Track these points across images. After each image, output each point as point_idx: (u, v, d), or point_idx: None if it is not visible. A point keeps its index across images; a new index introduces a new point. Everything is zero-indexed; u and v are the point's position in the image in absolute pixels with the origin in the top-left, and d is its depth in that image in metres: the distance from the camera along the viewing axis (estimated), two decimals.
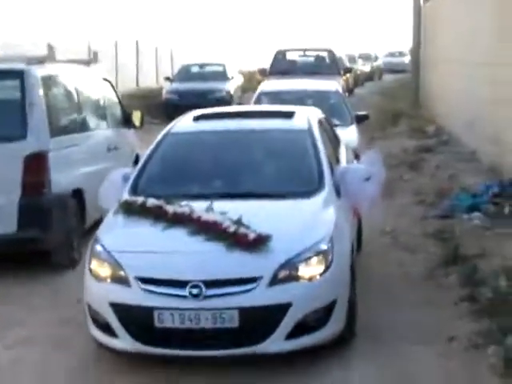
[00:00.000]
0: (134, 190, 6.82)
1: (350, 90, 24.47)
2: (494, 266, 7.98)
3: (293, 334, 5.67)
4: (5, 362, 6.33)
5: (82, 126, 10.30)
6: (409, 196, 12.19)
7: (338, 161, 8.08)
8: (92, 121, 10.82)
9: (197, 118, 8.27)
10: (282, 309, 5.65)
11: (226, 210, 6.20)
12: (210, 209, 6.20)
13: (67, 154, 9.16)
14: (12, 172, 8.35)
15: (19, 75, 9.07)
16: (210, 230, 6.02)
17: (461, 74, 17.40)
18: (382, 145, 16.07)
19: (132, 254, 5.94)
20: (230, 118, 8.53)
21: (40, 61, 10.29)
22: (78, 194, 9.37)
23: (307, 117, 8.11)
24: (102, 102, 11.52)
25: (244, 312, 5.55)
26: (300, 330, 5.74)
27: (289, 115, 8.21)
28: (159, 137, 7.73)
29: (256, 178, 7.24)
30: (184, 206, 6.33)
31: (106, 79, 12.41)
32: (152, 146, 7.58)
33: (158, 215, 6.36)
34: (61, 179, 8.51)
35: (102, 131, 10.99)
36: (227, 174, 7.33)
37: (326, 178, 6.92)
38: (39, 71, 9.36)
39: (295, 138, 7.72)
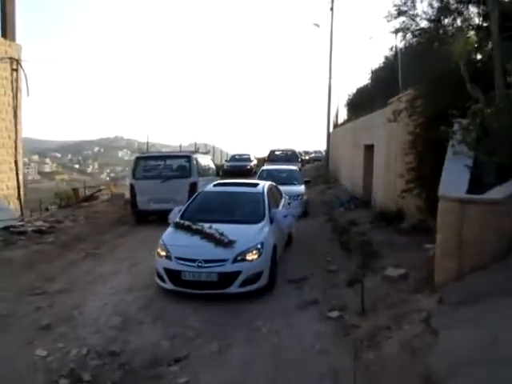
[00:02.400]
0: (182, 216, 6.90)
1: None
2: (343, 220, 9.54)
3: (242, 285, 5.85)
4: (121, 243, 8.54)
5: (205, 174, 11.59)
6: (319, 202, 13.16)
7: (277, 206, 8.00)
8: (208, 172, 12.12)
9: (216, 185, 8.34)
10: (237, 273, 5.83)
11: (218, 228, 6.27)
12: (210, 227, 6.29)
13: (202, 183, 10.18)
14: (185, 188, 10.05)
15: (188, 157, 10.85)
16: (209, 237, 6.18)
17: (343, 161, 17.87)
18: (314, 187, 16.27)
19: (174, 246, 6.11)
20: (230, 186, 8.34)
21: (193, 152, 12.07)
22: None
23: (263, 186, 7.98)
24: (210, 166, 12.78)
25: (220, 274, 5.77)
26: (246, 283, 5.87)
27: (255, 185, 8.18)
28: (197, 192, 7.90)
29: (235, 213, 7.16)
30: (199, 226, 6.40)
31: (211, 159, 13.61)
32: (193, 197, 7.72)
33: (188, 229, 6.47)
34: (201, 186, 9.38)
35: (211, 176, 12.06)
36: (223, 211, 7.18)
37: (266, 215, 6.95)
38: (194, 155, 11.12)
39: (255, 196, 7.53)
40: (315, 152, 40.30)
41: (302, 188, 11.97)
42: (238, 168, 22.46)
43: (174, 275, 5.83)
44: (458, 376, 2.95)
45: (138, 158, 10.86)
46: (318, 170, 24.93)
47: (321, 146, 35.75)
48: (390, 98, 9.99)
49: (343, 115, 21.91)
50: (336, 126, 23.88)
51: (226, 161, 25.93)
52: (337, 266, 6.88)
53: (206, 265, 5.79)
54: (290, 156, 21.40)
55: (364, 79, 24.70)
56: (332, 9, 20.80)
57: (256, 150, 33.55)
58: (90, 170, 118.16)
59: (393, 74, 10.99)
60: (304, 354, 4.21)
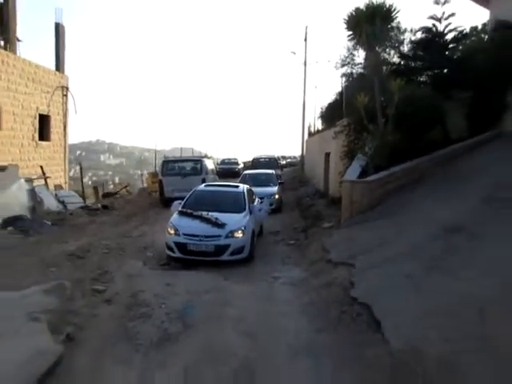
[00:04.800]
0: (183, 206, 8.46)
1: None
2: (306, 205, 14.23)
3: (231, 254, 7.43)
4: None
5: (210, 173, 15.40)
6: (293, 196, 16.96)
7: (253, 202, 9.41)
8: (210, 171, 15.78)
9: (206, 185, 9.91)
10: (228, 246, 7.38)
11: (213, 215, 7.77)
12: (207, 214, 7.79)
13: (208, 179, 14.01)
14: (198, 182, 13.03)
15: (199, 160, 14.87)
16: (207, 220, 7.64)
17: (314, 164, 20.55)
18: (290, 186, 19.82)
19: (182, 226, 7.70)
20: (217, 187, 9.79)
21: (203, 157, 15.91)
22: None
23: (243, 187, 9.49)
24: (213, 167, 16.50)
25: (216, 246, 7.35)
26: (233, 253, 7.44)
27: (237, 187, 9.64)
28: (192, 191, 9.37)
29: (223, 206, 8.46)
30: (198, 212, 7.95)
31: (213, 162, 17.24)
32: (189, 193, 9.20)
33: (190, 215, 7.97)
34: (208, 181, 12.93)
35: (213, 175, 15.81)
36: (214, 204, 8.50)
37: (246, 208, 8.46)
38: (204, 159, 15.07)
39: (238, 194, 9.01)
40: (290, 158, 43.85)
41: (275, 189, 14.31)
42: (227, 170, 26.06)
43: (181, 247, 7.57)
44: (333, 247, 7.84)
45: (164, 161, 15.37)
46: (294, 172, 29.47)
47: (297, 151, 39.45)
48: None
49: (318, 125, 25.20)
50: (311, 134, 27.53)
51: (217, 164, 28.37)
52: (298, 225, 11.68)
53: (205, 239, 7.47)
54: (271, 163, 23.78)
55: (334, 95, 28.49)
56: (306, 39, 25.86)
57: (240, 155, 36.78)
58: (72, 173, 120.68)
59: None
60: (276, 253, 9.06)
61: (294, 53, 25.85)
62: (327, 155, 16.75)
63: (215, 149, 55.46)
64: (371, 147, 10.12)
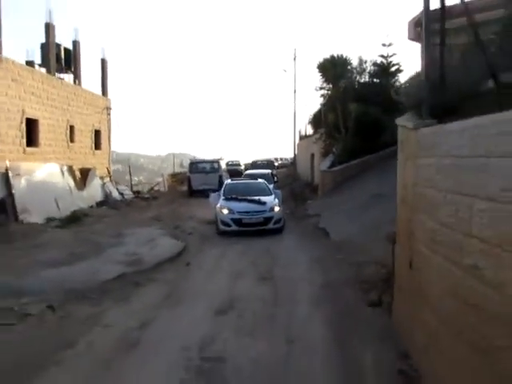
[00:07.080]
0: (224, 195, 10.83)
1: None
2: (297, 192, 20.08)
3: (274, 223, 9.76)
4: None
5: (220, 169, 20.68)
6: (287, 188, 20.31)
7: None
8: (221, 166, 20.63)
9: (232, 180, 12.63)
10: (271, 217, 9.79)
11: (254, 197, 10.16)
12: (250, 197, 10.18)
13: (223, 176, 19.84)
14: (217, 178, 18.47)
15: (217, 161, 19.79)
16: (252, 201, 10.08)
17: (304, 163, 26.01)
18: (284, 181, 24.84)
19: (234, 206, 10.02)
20: (243, 180, 12.90)
21: (219, 159, 21.56)
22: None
23: (263, 181, 12.18)
24: (224, 167, 22.14)
25: (264, 218, 9.76)
26: (275, 223, 9.80)
27: (256, 179, 12.61)
28: (224, 184, 12.21)
29: (255, 192, 10.76)
30: (242, 197, 10.32)
31: (223, 161, 22.93)
32: (223, 186, 11.79)
33: (236, 199, 10.22)
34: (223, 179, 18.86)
35: (225, 173, 21.61)
36: (247, 191, 10.73)
37: (272, 192, 10.94)
38: (220, 161, 20.21)
39: (261, 184, 11.42)
40: (282, 160, 47.08)
41: (271, 186, 14.57)
42: (232, 170, 29.66)
43: (237, 221, 9.98)
44: (310, 208, 13.28)
45: (191, 163, 20.67)
46: (288, 171, 34.90)
47: (290, 153, 43.81)
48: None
49: (309, 129, 28.71)
50: (302, 138, 31.76)
51: (226, 164, 32.34)
52: (292, 203, 17.02)
53: (255, 213, 9.97)
54: (267, 164, 28.28)
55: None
56: (295, 59, 31.31)
57: (240, 157, 41.21)
58: None
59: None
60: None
61: (285, 70, 31.27)
62: (312, 155, 22.29)
63: (217, 153, 59.40)
64: (337, 149, 15.57)
